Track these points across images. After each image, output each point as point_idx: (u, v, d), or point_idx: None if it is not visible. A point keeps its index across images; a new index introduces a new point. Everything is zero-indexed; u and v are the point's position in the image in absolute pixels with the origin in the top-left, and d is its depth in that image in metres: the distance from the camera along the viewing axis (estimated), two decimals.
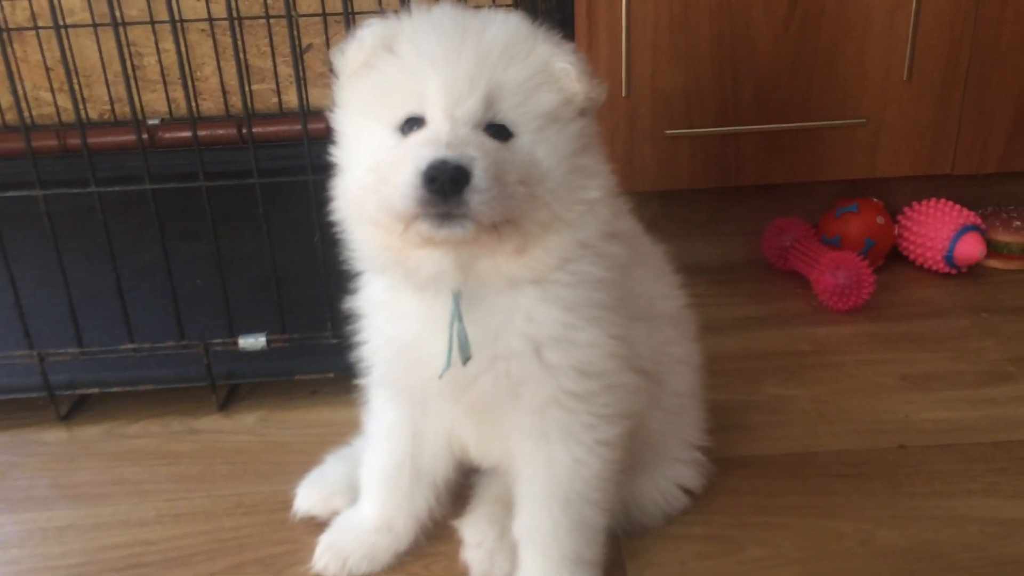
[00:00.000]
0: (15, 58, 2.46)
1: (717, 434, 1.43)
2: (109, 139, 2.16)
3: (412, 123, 1.03)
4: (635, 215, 1.24)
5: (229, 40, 2.52)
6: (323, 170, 1.16)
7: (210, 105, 2.61)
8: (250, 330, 1.65)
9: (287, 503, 1.40)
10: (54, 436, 1.65)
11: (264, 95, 2.60)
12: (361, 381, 1.31)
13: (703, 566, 1.29)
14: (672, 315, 1.29)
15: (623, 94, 2.02)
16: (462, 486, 1.37)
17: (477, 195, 0.96)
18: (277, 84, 2.56)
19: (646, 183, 2.09)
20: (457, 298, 1.08)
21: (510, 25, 1.05)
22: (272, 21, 2.48)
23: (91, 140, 1.59)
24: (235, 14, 1.57)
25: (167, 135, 2.24)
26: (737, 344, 1.86)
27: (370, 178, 1.02)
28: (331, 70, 1.11)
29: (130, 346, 1.64)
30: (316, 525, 1.37)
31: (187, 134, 1.84)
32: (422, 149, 0.97)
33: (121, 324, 1.63)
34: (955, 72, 2.04)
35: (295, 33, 1.53)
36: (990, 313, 1.96)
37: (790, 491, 1.43)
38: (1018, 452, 1.50)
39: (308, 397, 1.73)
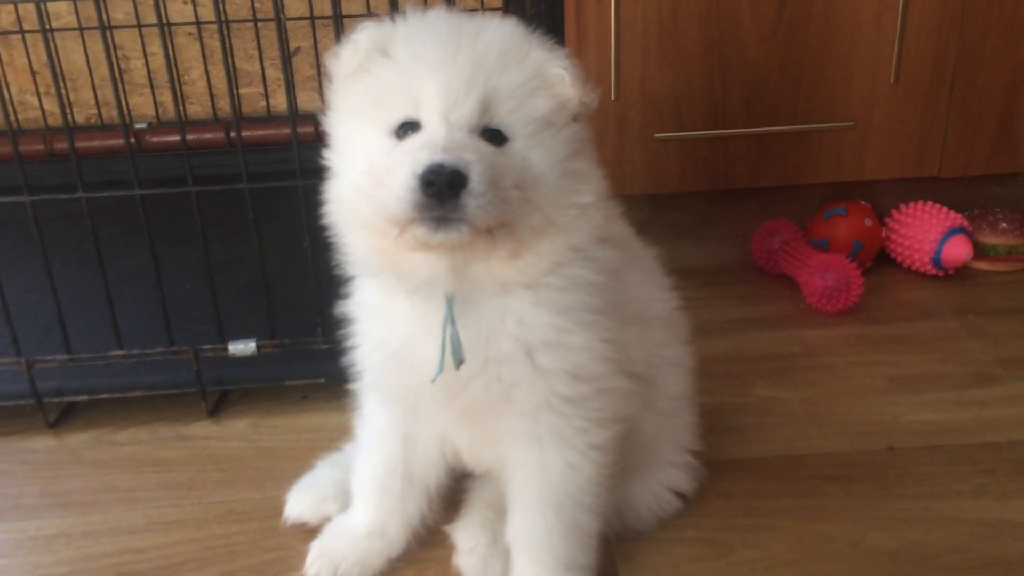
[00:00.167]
0: (1, 62, 2.44)
1: (708, 437, 1.43)
2: (96, 143, 2.14)
3: (407, 127, 1.03)
4: (625, 219, 1.25)
5: (216, 44, 2.52)
6: (312, 174, 1.15)
7: (197, 109, 2.60)
8: (240, 336, 1.64)
9: (278, 509, 1.40)
10: (42, 444, 1.63)
11: (252, 99, 2.59)
12: (353, 386, 1.30)
13: (695, 569, 1.29)
14: (664, 318, 1.29)
15: (612, 98, 2.03)
16: (454, 491, 1.37)
17: (473, 199, 0.96)
18: (265, 88, 2.55)
19: (636, 186, 2.10)
20: (450, 302, 1.08)
21: (505, 31, 1.05)
22: (260, 24, 2.47)
23: (78, 144, 1.58)
24: (224, 17, 1.56)
25: (154, 139, 2.21)
26: (727, 346, 1.87)
27: (364, 182, 1.02)
28: (320, 73, 1.11)
29: (119, 352, 1.63)
30: (307, 531, 1.36)
31: (174, 138, 1.83)
32: (418, 153, 0.97)
33: (110, 330, 1.62)
34: (942, 75, 2.05)
35: (284, 37, 1.53)
36: (977, 315, 1.97)
37: (781, 493, 1.44)
38: (1005, 453, 1.51)
39: (298, 403, 1.72)
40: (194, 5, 2.45)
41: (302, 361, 1.66)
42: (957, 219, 2.10)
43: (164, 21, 2.16)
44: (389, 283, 1.12)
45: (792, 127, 2.08)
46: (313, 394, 1.72)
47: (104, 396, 1.64)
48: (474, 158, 0.97)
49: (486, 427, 1.19)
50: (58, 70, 1.60)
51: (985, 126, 2.11)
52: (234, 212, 1.60)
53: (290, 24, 2.47)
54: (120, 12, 2.46)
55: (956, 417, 1.62)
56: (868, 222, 2.15)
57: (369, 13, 2.13)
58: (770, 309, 2.04)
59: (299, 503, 1.39)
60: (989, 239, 2.15)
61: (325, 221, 1.13)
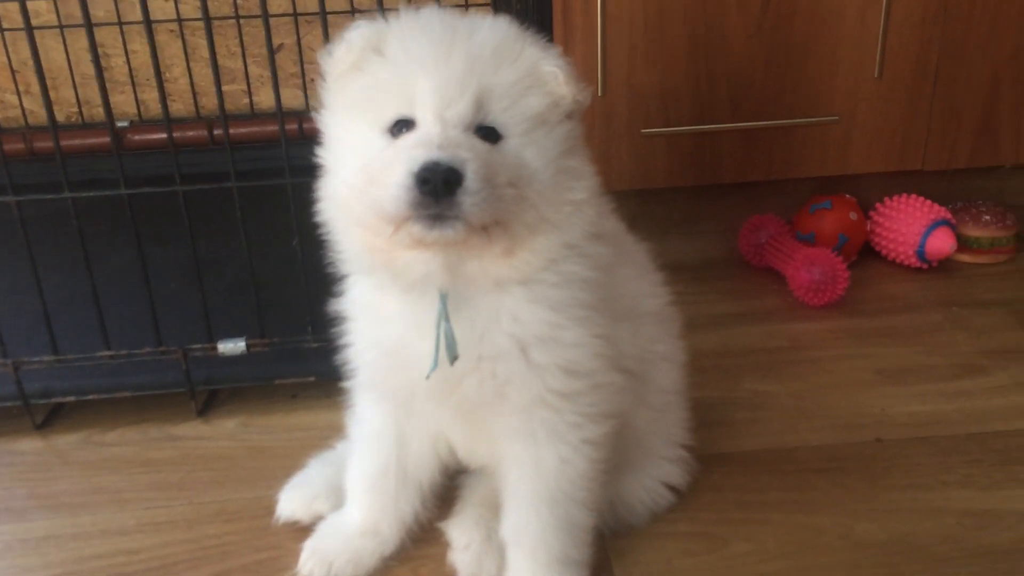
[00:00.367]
0: None
1: (698, 431, 1.44)
2: (77, 142, 2.12)
3: (401, 125, 1.03)
4: (615, 214, 1.25)
5: (197, 41, 2.49)
6: (298, 172, 1.14)
7: (179, 106, 2.57)
8: (229, 335, 1.63)
9: (270, 509, 1.39)
10: (30, 445, 1.62)
11: (235, 96, 2.57)
12: (346, 384, 1.30)
13: (688, 563, 1.30)
14: (656, 313, 1.29)
15: (599, 93, 2.03)
16: (448, 488, 1.37)
17: (469, 197, 0.96)
18: (248, 85, 2.53)
19: (623, 182, 2.11)
20: (444, 298, 1.08)
21: (499, 29, 1.05)
22: (242, 21, 2.45)
23: (61, 143, 1.56)
24: (208, 14, 1.55)
25: (136, 137, 2.20)
26: (715, 341, 1.88)
27: (359, 180, 1.02)
28: (303, 70, 1.10)
29: (107, 353, 1.61)
30: (300, 530, 1.36)
31: (156, 136, 1.82)
32: (414, 151, 0.97)
33: (97, 330, 1.61)
34: (925, 70, 2.07)
35: (269, 34, 1.52)
36: (961, 307, 1.99)
37: (771, 487, 1.45)
38: (991, 444, 1.53)
39: (288, 401, 1.71)
40: (175, 2, 2.43)
41: (292, 360, 1.65)
42: (941, 212, 2.12)
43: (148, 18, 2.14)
44: (383, 281, 1.12)
45: (777, 122, 2.09)
46: (303, 393, 1.72)
47: (92, 397, 1.63)
48: (469, 156, 0.97)
49: (480, 424, 1.19)
50: (41, 68, 1.58)
51: (967, 120, 2.13)
52: (220, 210, 1.59)
53: (272, 21, 2.45)
54: (100, 10, 2.42)
55: (942, 408, 1.64)
56: (853, 216, 2.17)
57: (353, 10, 2.11)
58: (757, 303, 2.05)
59: (291, 502, 1.39)
60: (972, 231, 2.18)
61: (318, 219, 1.13)
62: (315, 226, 1.14)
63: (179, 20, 2.45)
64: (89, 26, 1.50)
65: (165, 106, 1.58)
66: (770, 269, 2.15)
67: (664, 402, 1.33)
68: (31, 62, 2.32)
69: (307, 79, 2.30)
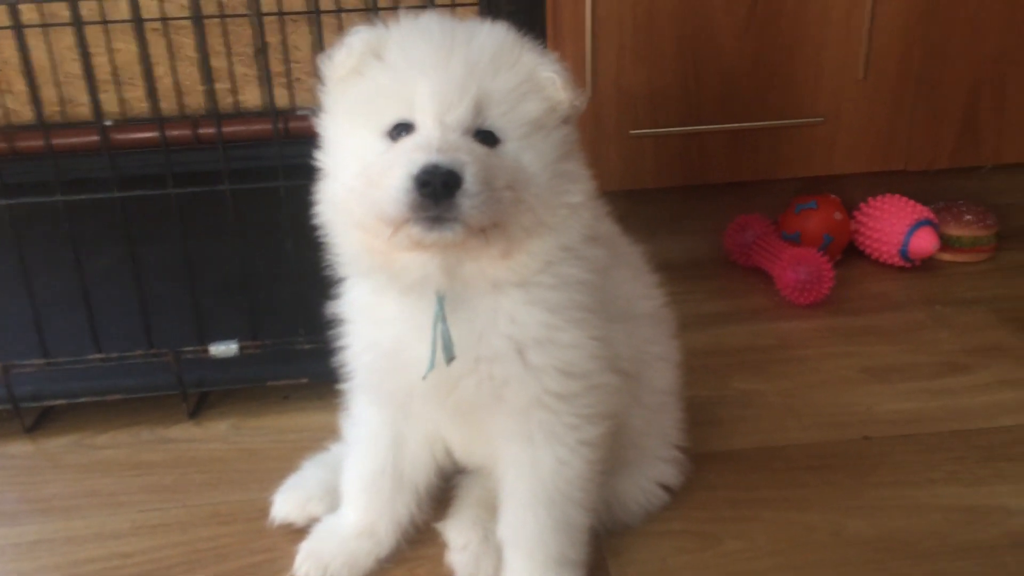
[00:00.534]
0: None
1: (689, 430, 1.45)
2: (61, 140, 2.10)
3: (401, 129, 1.03)
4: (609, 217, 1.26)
5: (182, 40, 2.47)
6: (288, 171, 1.14)
7: (164, 105, 2.55)
8: (220, 337, 1.63)
9: (264, 511, 1.39)
10: (20, 449, 1.61)
11: (220, 95, 2.55)
12: (343, 386, 1.30)
13: (683, 561, 1.31)
14: (651, 314, 1.31)
15: (587, 94, 2.04)
16: (444, 489, 1.37)
17: (468, 199, 0.97)
18: (233, 84, 2.52)
19: (612, 183, 2.11)
20: (441, 299, 1.09)
21: (497, 34, 1.06)
22: (227, 20, 2.44)
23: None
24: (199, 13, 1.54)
25: (120, 136, 2.18)
26: (703, 340, 1.89)
27: (358, 182, 1.02)
28: (289, 70, 1.10)
29: (97, 355, 1.60)
30: (295, 532, 1.35)
31: (141, 135, 1.81)
32: (413, 154, 0.98)
33: (87, 333, 1.60)
34: (909, 72, 2.10)
35: (261, 32, 1.51)
36: (944, 305, 2.02)
37: (762, 485, 1.46)
38: (975, 440, 1.56)
39: (280, 403, 1.71)
40: (160, 1, 2.42)
41: (285, 361, 1.65)
42: (924, 212, 2.15)
43: (134, 16, 2.13)
44: (380, 283, 1.12)
45: (764, 123, 2.11)
46: (295, 394, 1.72)
47: (83, 400, 1.62)
48: (468, 159, 0.98)
49: (477, 425, 1.19)
50: (28, 67, 1.57)
51: (950, 121, 2.16)
52: (211, 211, 1.58)
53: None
54: (83, 8, 2.40)
55: (927, 406, 1.66)
56: (838, 215, 2.19)
57: (339, 8, 2.11)
58: (744, 302, 2.07)
59: (286, 504, 1.39)
60: (954, 231, 2.21)
61: (316, 221, 1.13)
62: (306, 226, 1.14)
63: (163, 19, 2.44)
64: (78, 25, 1.48)
65: (156, 105, 1.57)
66: (757, 269, 2.17)
67: (659, 402, 1.34)
68: (12, 61, 2.29)
69: (292, 78, 2.30)
